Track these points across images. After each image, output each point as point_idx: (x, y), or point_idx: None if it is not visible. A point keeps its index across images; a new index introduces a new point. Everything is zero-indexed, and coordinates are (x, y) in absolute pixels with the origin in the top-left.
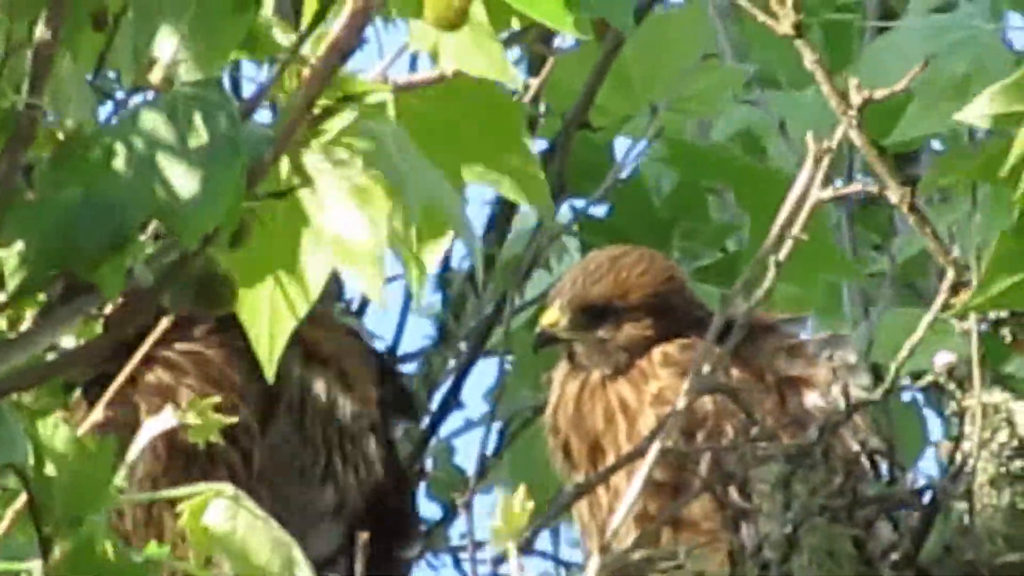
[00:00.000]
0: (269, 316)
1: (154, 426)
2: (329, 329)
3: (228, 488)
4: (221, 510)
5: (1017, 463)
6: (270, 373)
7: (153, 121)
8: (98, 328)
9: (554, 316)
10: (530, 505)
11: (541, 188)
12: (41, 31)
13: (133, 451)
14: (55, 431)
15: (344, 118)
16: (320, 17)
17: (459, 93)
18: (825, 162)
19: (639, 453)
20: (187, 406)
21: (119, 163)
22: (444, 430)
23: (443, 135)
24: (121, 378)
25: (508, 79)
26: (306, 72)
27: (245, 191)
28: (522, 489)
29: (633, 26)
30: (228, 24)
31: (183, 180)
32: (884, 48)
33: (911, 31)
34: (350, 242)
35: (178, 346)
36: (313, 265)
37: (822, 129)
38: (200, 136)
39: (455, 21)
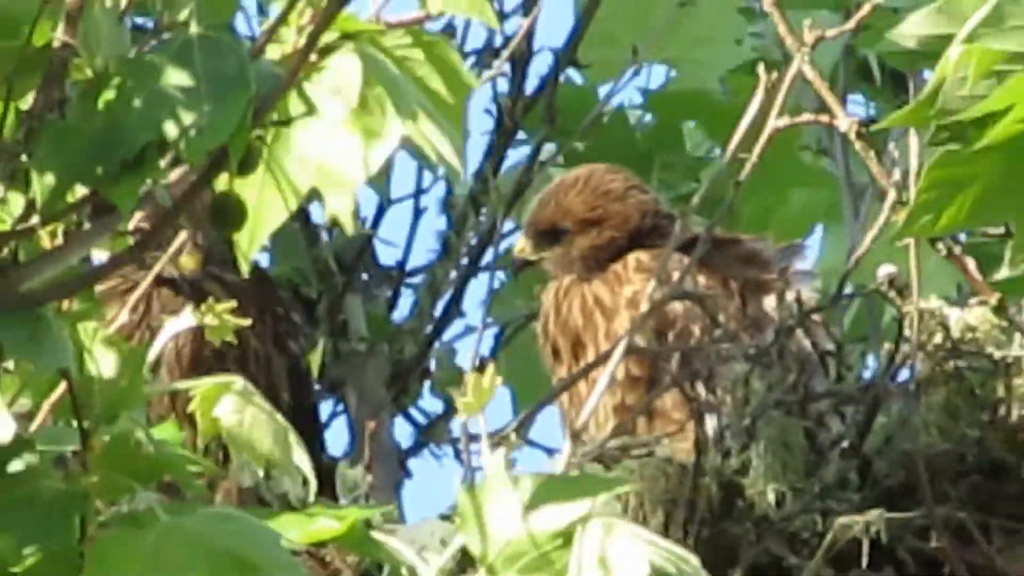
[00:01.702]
0: (252, 218)
1: (174, 325)
2: None
3: (238, 382)
4: (230, 404)
5: (951, 363)
6: (245, 268)
7: (168, 59)
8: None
9: (521, 243)
10: (498, 380)
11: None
12: None
13: (154, 349)
14: (95, 335)
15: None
16: None
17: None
18: (783, 92)
19: (613, 352)
20: (204, 309)
21: (136, 95)
22: (447, 335)
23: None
24: (143, 287)
25: (487, 19)
26: (308, 13)
27: (252, 122)
28: (491, 367)
29: None
30: None
31: (191, 109)
32: None
33: None
34: (330, 169)
35: None
36: (298, 180)
37: None
38: (211, 73)
39: None
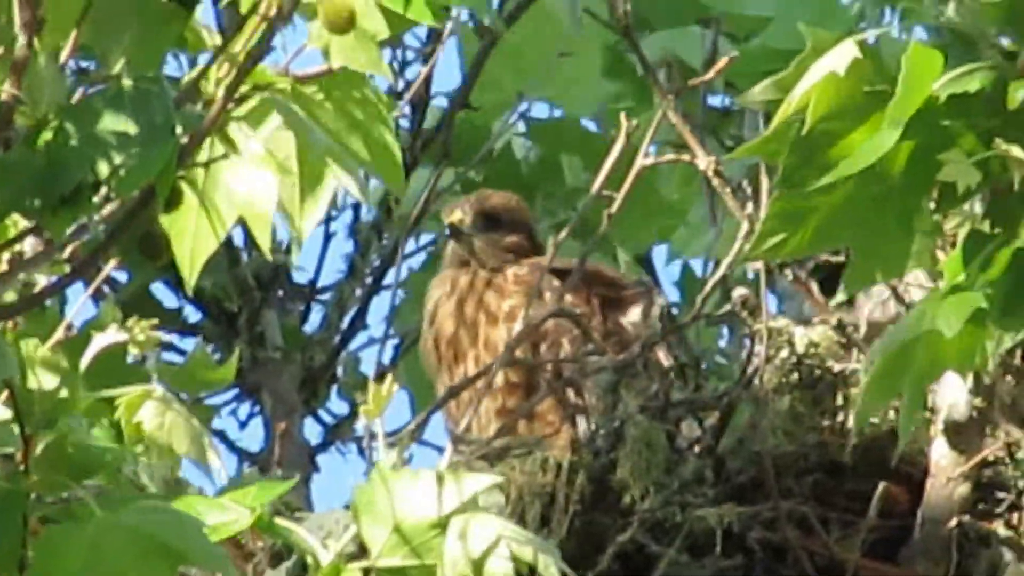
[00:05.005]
0: (191, 246)
1: (102, 340)
2: None
3: (158, 390)
4: (151, 410)
5: (795, 375)
6: (190, 286)
7: (102, 107)
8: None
9: (459, 214)
10: (394, 388)
11: (397, 173)
12: (19, 36)
13: (84, 361)
14: (35, 351)
15: (255, 102)
16: (241, 27)
17: (341, 84)
18: (650, 134)
19: (495, 364)
20: (129, 325)
21: (73, 138)
22: (353, 345)
23: (325, 120)
24: (79, 303)
25: (382, 73)
26: (226, 66)
27: (176, 164)
28: (389, 377)
29: (503, 26)
30: (162, 32)
31: (122, 150)
32: None
33: None
34: (250, 202)
35: None
36: (225, 211)
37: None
38: (140, 120)
39: (344, 27)
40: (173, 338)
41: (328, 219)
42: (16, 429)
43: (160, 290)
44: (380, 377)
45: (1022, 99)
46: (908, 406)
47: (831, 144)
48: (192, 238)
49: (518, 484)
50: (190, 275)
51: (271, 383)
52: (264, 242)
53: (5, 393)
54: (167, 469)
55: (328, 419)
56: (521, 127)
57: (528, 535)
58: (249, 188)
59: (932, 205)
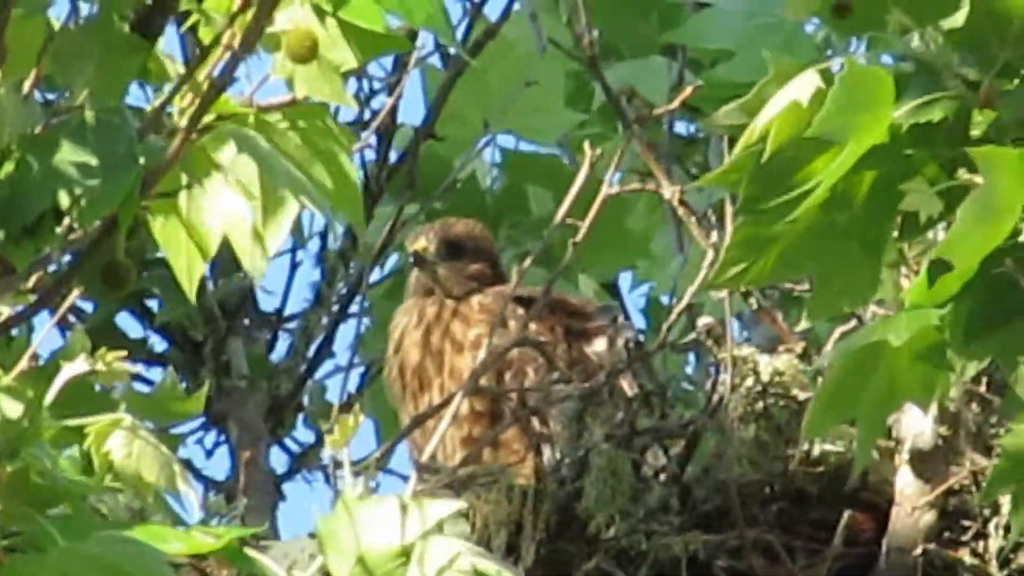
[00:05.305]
0: (186, 261)
1: (70, 370)
2: None
3: (126, 419)
4: (119, 439)
5: (760, 403)
6: (191, 296)
7: (65, 138)
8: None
9: (424, 242)
10: (361, 419)
11: (357, 205)
12: None
13: (50, 394)
14: None
15: (219, 132)
16: (204, 58)
17: (304, 116)
18: (616, 162)
19: (458, 392)
20: (98, 356)
21: (35, 169)
22: (319, 374)
23: (288, 149)
24: (44, 332)
25: (346, 104)
26: (190, 96)
27: (141, 194)
28: (356, 408)
29: (467, 55)
30: (125, 62)
31: (84, 181)
32: (707, 18)
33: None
34: (232, 223)
35: None
36: (212, 231)
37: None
38: (103, 151)
39: (306, 55)
40: (139, 367)
41: (294, 248)
42: None
43: (125, 319)
44: (346, 406)
45: (984, 129)
46: (864, 434)
47: (792, 173)
48: (186, 256)
49: (483, 513)
50: (189, 287)
51: (237, 412)
52: (247, 262)
53: None
54: (133, 498)
55: (294, 447)
56: (489, 156)
57: (485, 552)
58: (227, 212)
59: (895, 234)
